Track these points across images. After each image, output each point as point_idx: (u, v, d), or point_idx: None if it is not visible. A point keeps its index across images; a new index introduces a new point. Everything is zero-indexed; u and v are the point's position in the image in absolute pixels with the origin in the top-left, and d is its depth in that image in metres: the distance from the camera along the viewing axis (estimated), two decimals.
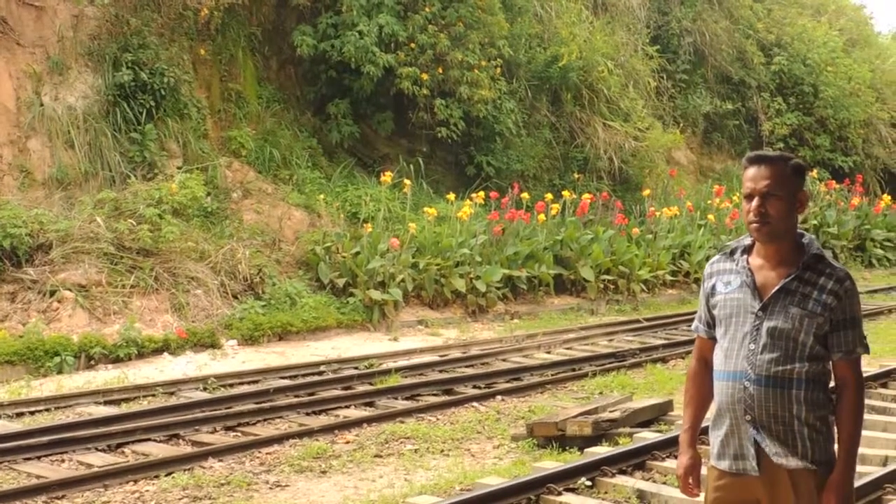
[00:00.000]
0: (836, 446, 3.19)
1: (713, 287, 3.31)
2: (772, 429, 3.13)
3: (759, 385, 3.12)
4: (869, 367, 10.35)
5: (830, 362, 3.19)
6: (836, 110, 24.05)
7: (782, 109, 23.98)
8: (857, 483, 5.84)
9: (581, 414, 7.71)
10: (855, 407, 3.17)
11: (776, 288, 3.15)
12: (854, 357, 3.17)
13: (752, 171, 3.18)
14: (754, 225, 3.15)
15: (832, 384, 3.23)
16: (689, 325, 14.69)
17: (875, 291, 18.05)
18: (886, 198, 22.97)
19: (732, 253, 3.30)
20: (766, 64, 24.39)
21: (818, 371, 3.15)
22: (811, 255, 3.18)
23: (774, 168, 3.15)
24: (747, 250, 3.28)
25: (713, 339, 3.33)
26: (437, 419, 8.59)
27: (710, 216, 18.68)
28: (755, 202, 3.14)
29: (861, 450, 6.55)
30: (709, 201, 19.48)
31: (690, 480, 3.35)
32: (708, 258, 17.44)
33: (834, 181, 22.56)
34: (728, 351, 3.21)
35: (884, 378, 9.48)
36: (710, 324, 3.35)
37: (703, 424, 3.43)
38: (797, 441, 3.12)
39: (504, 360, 11.42)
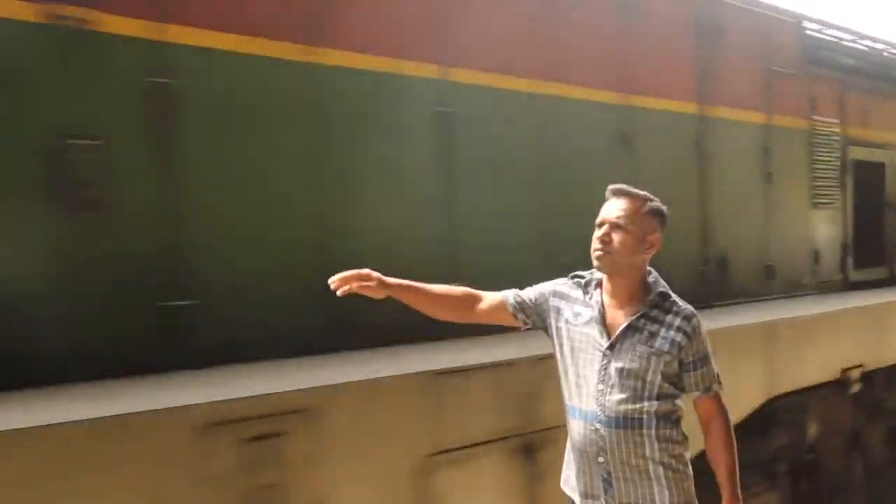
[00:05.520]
0: (693, 484, 3.15)
1: (559, 309, 3.21)
2: (626, 478, 3.07)
3: (610, 427, 3.05)
4: None
5: (681, 400, 3.14)
6: None
7: None
8: None
9: None
10: (726, 438, 3.17)
11: (623, 326, 3.09)
12: (713, 393, 3.15)
13: (610, 202, 3.14)
14: (597, 252, 3.09)
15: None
16: None
17: None
18: None
19: (587, 285, 3.22)
20: None
21: (668, 409, 3.08)
22: (657, 293, 3.13)
23: (631, 203, 3.11)
24: (599, 285, 3.20)
25: (514, 308, 3.23)
26: None
27: None
28: (602, 230, 3.10)
29: None
30: None
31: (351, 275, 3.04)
32: None
33: None
34: (577, 387, 3.14)
35: None
36: (524, 306, 3.24)
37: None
38: (653, 487, 3.06)
39: None
